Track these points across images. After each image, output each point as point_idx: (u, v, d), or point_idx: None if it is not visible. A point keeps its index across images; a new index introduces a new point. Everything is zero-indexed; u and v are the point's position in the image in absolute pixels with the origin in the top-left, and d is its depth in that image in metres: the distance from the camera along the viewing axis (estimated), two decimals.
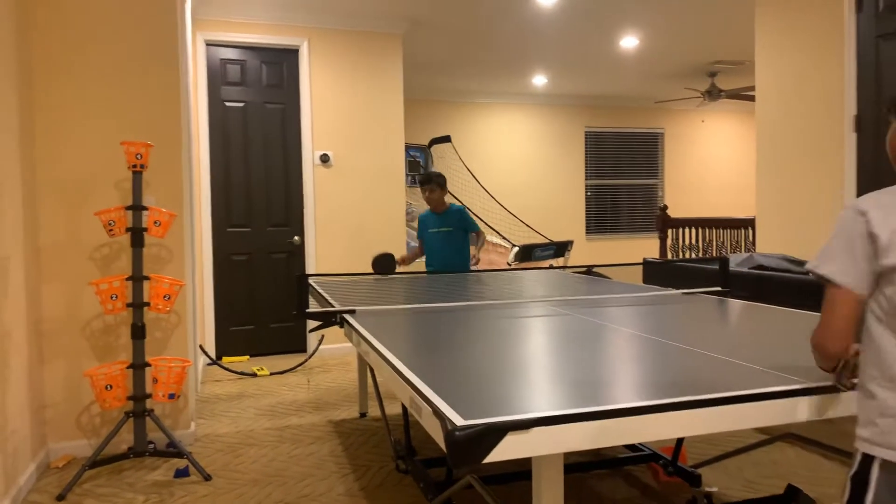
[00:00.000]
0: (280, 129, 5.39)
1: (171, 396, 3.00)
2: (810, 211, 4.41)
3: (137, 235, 2.99)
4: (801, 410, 1.36)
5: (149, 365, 3.01)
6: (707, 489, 2.53)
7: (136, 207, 2.99)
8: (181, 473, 2.87)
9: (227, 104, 5.27)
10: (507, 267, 6.27)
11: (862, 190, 4.02)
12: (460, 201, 7.53)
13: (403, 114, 5.68)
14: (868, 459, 1.20)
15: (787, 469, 2.82)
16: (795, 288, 3.22)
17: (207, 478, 2.85)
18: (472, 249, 4.44)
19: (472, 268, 4.41)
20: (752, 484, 2.66)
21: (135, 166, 2.99)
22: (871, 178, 3.97)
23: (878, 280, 1.18)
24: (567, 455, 2.88)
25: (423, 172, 4.82)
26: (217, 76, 5.24)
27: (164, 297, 3.03)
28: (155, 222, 3.03)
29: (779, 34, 4.61)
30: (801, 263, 3.80)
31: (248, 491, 2.72)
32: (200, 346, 4.75)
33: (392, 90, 5.60)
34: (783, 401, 1.35)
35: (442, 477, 2.50)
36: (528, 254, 6.77)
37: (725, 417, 1.31)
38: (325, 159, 5.39)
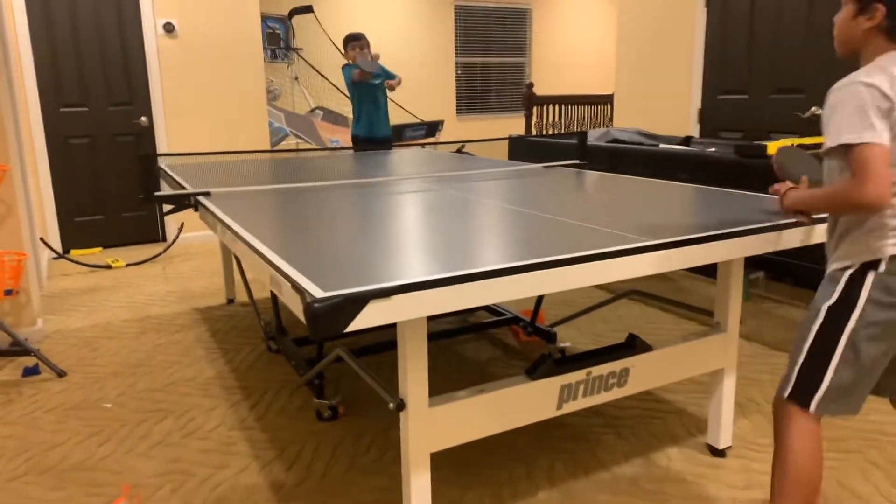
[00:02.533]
0: None
1: (8, 293, 2.74)
2: (663, 86, 4.63)
3: None
4: (641, 266, 1.47)
5: None
6: (561, 345, 2.76)
7: None
8: (30, 372, 2.69)
9: None
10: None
11: (710, 65, 4.26)
12: (330, 81, 7.15)
13: None
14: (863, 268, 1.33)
15: (631, 323, 3.13)
16: (646, 159, 3.42)
17: (61, 374, 2.69)
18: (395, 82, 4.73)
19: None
20: (600, 337, 2.94)
21: None
22: (717, 53, 4.20)
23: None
24: (435, 324, 3.01)
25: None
26: None
27: None
28: None
29: None
30: (654, 136, 4.04)
31: (109, 383, 2.61)
32: (41, 239, 4.34)
33: None
34: (626, 258, 1.45)
35: (314, 353, 2.52)
36: (399, 134, 6.67)
37: (573, 276, 1.39)
38: (169, 29, 4.83)
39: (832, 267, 1.41)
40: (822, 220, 1.62)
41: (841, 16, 1.41)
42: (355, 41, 4.64)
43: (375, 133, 4.66)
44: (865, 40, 1.36)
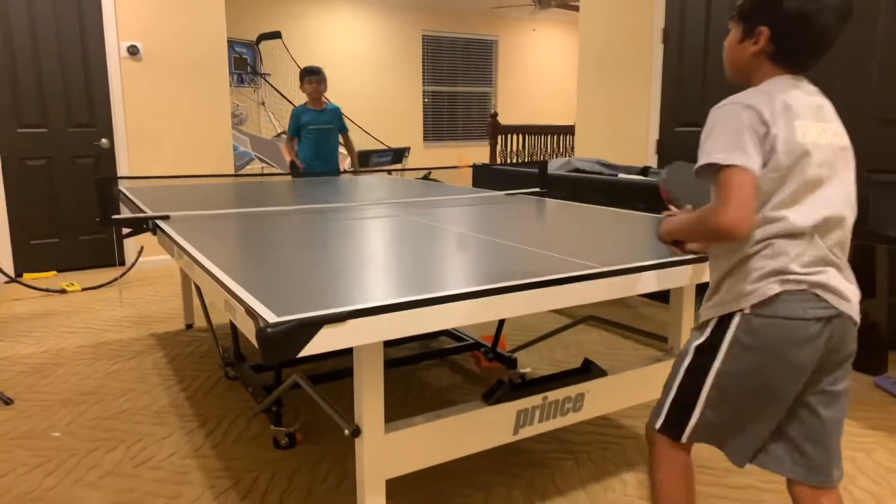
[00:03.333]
0: (76, 13, 4.67)
1: None
2: (622, 118, 4.76)
3: None
4: (597, 292, 1.50)
5: None
6: (521, 370, 2.78)
7: None
8: None
9: None
10: (343, 172, 6.17)
11: (667, 98, 4.40)
12: (328, 101, 7.16)
13: (225, 4, 5.17)
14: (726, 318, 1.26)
15: (591, 348, 3.17)
16: (605, 188, 3.50)
17: (8, 401, 2.60)
18: (346, 151, 4.56)
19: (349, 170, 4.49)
20: (559, 363, 2.97)
21: None
22: (674, 86, 4.35)
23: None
24: (397, 350, 3.00)
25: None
26: None
27: None
28: None
29: None
30: (613, 166, 4.14)
31: (59, 411, 2.53)
32: None
33: None
34: (582, 283, 1.48)
35: (271, 381, 2.49)
36: (365, 160, 6.70)
37: (530, 300, 1.41)
38: (133, 51, 4.80)
39: (704, 315, 1.34)
40: (701, 256, 1.55)
41: (728, 40, 1.33)
42: (313, 75, 4.40)
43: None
44: (754, 65, 1.28)
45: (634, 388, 1.90)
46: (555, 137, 6.71)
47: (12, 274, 4.58)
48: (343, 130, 4.51)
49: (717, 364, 1.28)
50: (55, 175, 4.77)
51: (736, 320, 1.26)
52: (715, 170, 1.20)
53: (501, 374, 2.81)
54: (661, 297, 3.89)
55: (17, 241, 4.68)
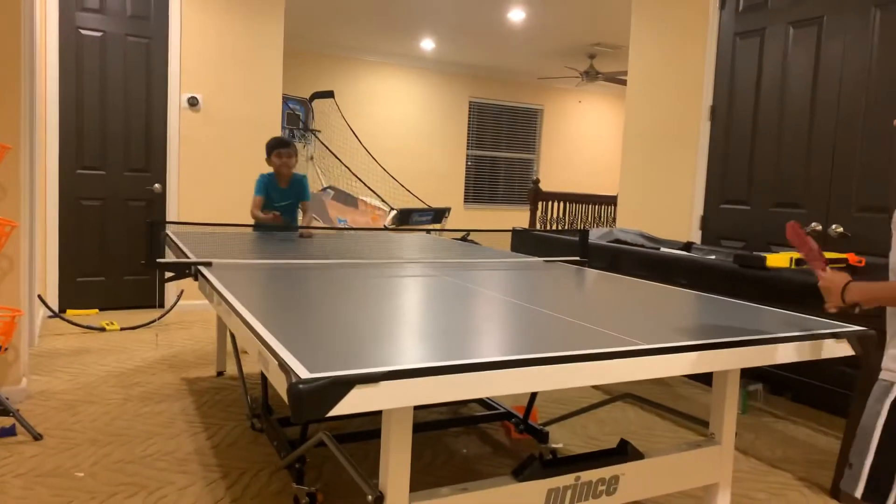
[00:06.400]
0: (144, 65, 4.95)
1: None
2: (667, 191, 4.73)
3: None
4: (637, 370, 1.45)
5: None
6: (553, 445, 2.68)
7: None
8: (6, 433, 2.61)
9: (83, 32, 4.75)
10: (384, 229, 6.23)
11: (712, 175, 4.37)
12: (343, 163, 7.35)
13: (283, 62, 5.41)
14: None
15: (626, 427, 3.05)
16: (647, 261, 3.45)
17: (37, 437, 2.61)
18: (305, 219, 3.97)
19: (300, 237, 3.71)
20: (593, 440, 2.85)
21: None
22: (720, 163, 4.32)
23: None
24: (425, 413, 2.93)
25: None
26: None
27: None
28: None
29: (651, 23, 4.85)
30: (656, 240, 4.08)
31: (85, 451, 2.52)
32: (39, 296, 4.33)
33: (271, 35, 5.30)
34: (622, 360, 1.43)
35: (297, 436, 2.45)
36: (406, 218, 6.78)
37: (568, 374, 1.37)
38: (193, 103, 5.03)
39: (886, 365, 1.32)
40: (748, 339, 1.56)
41: None
42: (283, 147, 3.83)
43: None
44: None
45: (673, 473, 1.80)
46: (596, 207, 6.71)
47: (57, 309, 4.70)
48: (305, 199, 3.97)
49: None
50: (108, 216, 4.94)
51: None
52: None
53: (532, 448, 2.72)
54: (702, 377, 3.75)
55: (65, 278, 4.82)
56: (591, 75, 7.88)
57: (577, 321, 1.72)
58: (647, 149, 4.90)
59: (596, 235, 3.95)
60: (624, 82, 7.54)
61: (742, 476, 2.58)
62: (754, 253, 2.93)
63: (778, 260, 2.65)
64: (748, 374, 3.64)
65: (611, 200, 6.39)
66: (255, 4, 5.21)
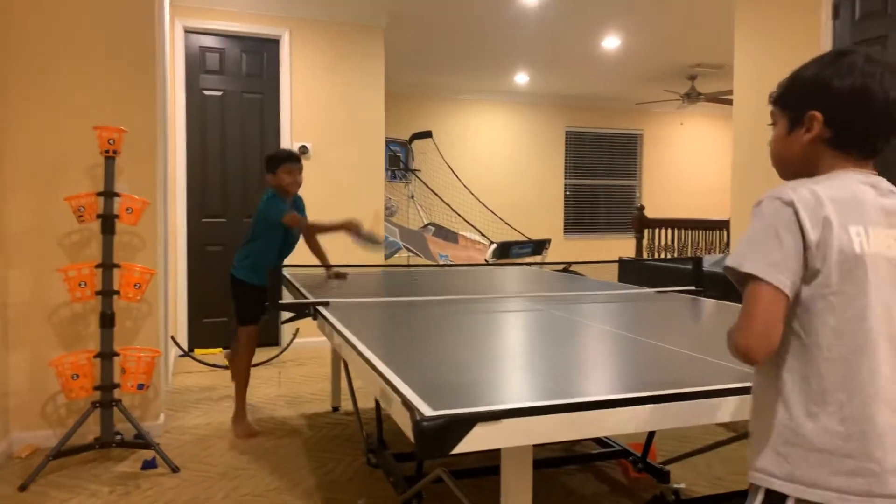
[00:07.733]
0: (258, 119, 5.33)
1: (140, 387, 2.95)
2: None
3: (108, 222, 2.93)
4: None
5: (117, 354, 2.95)
6: (675, 486, 2.55)
7: (108, 194, 2.94)
8: (148, 465, 2.82)
9: (206, 93, 5.20)
10: (485, 263, 6.27)
11: None
12: (443, 200, 7.51)
13: (384, 107, 5.65)
14: (775, 498, 1.02)
15: None
16: None
17: (175, 469, 2.80)
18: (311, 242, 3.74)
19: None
20: (719, 480, 2.69)
21: (107, 151, 2.93)
22: None
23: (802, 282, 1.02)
24: (539, 450, 2.89)
25: (292, 153, 3.35)
26: (195, 64, 5.16)
27: (135, 285, 2.98)
28: (127, 209, 2.97)
29: (757, 39, 4.67)
30: None
31: (216, 483, 2.68)
32: (172, 337, 4.68)
33: (373, 83, 5.57)
34: (747, 397, 1.36)
35: (413, 471, 2.49)
36: (505, 251, 6.79)
37: (691, 412, 1.32)
38: (303, 151, 5.34)
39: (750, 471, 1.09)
40: None
41: (773, 135, 1.18)
42: (294, 163, 3.38)
43: (265, 282, 3.12)
44: (810, 156, 1.10)
45: None
46: (706, 233, 6.42)
47: (186, 348, 5.06)
48: (301, 212, 3.57)
49: None
50: (229, 260, 5.26)
51: None
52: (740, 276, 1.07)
53: (651, 488, 2.60)
54: None
55: (193, 319, 5.20)
56: (692, 97, 7.64)
57: (698, 354, 1.65)
58: (759, 170, 4.67)
59: (710, 262, 3.79)
60: (729, 102, 7.24)
61: None
62: None
63: None
64: None
65: (722, 225, 6.10)
66: (358, 55, 5.50)
